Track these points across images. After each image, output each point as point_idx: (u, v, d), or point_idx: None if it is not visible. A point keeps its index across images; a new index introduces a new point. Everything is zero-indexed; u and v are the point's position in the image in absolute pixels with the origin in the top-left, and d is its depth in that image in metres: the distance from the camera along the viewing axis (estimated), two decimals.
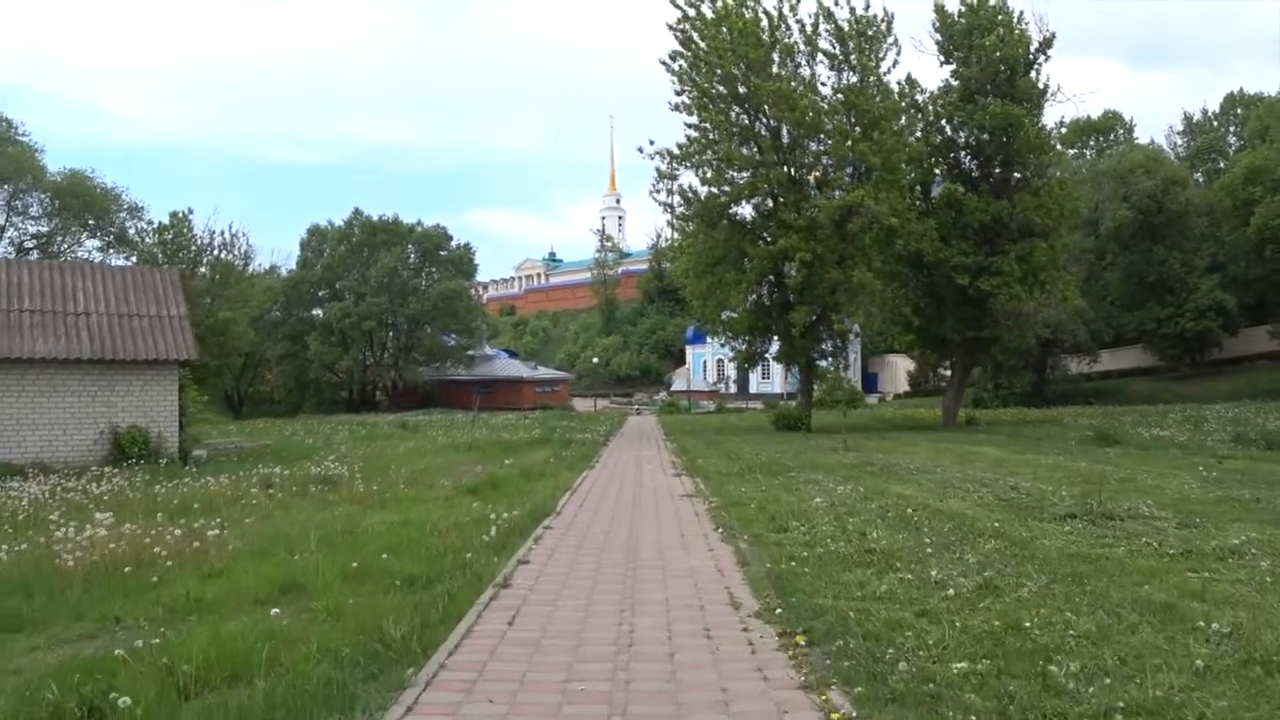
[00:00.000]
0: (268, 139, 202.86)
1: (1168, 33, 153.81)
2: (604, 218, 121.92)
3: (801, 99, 28.70)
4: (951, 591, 6.46)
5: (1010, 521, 9.87)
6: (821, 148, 30.08)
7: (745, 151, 29.89)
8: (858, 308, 29.66)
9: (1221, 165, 62.64)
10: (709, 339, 77.43)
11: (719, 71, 29.98)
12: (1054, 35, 33.05)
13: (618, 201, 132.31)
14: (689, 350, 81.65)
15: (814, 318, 30.94)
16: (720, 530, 9.78)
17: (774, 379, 72.72)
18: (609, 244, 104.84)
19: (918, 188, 32.93)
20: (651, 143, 31.98)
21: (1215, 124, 69.20)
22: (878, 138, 29.14)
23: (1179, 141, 69.65)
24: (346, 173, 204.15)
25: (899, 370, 69.18)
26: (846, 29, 30.29)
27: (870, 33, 30.48)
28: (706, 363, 79.24)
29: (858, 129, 29.55)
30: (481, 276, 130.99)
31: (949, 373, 62.93)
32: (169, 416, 22.36)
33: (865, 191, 27.55)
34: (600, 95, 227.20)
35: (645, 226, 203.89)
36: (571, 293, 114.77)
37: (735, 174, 31.08)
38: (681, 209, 31.43)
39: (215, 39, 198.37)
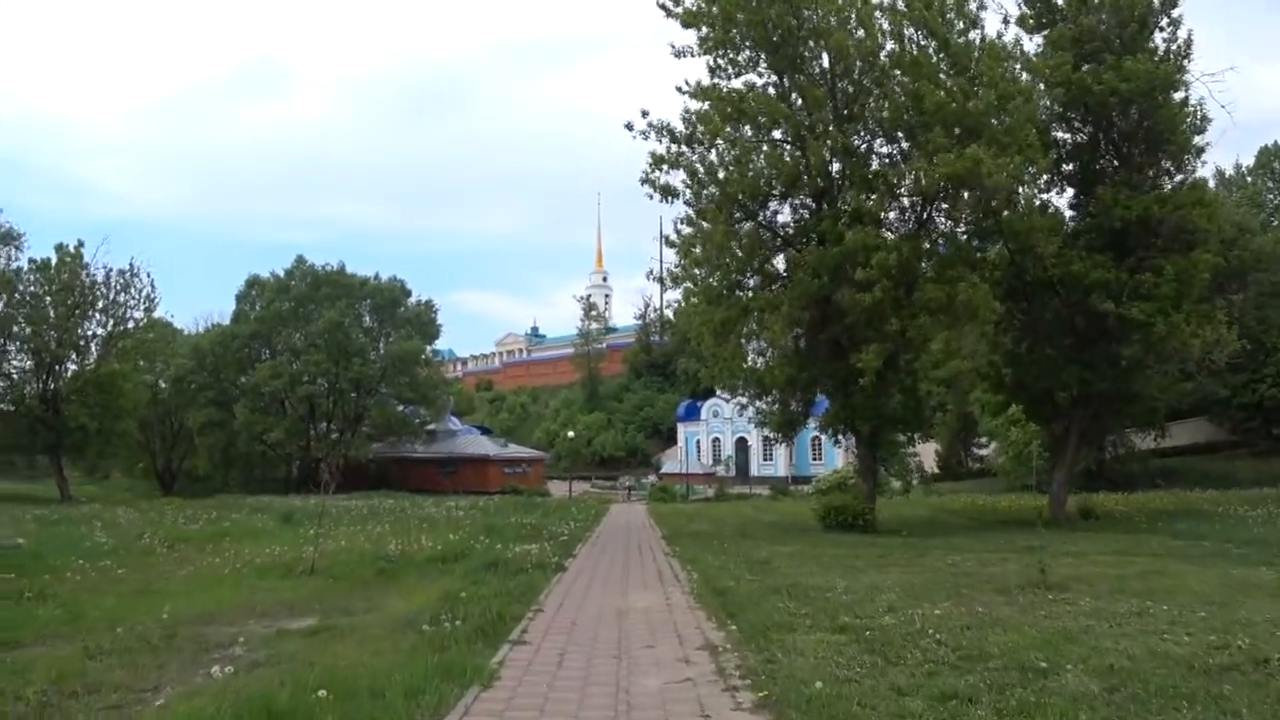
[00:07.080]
0: (252, 218, 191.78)
1: None
2: (589, 294, 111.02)
3: (865, 18, 17.91)
4: None
5: None
6: (896, 94, 18.61)
7: (787, 109, 18.80)
8: (962, 341, 18.04)
9: (1261, 218, 53.60)
10: (703, 414, 66.65)
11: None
12: None
13: (604, 279, 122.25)
14: (680, 429, 69.68)
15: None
16: None
17: (777, 460, 60.62)
18: (594, 314, 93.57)
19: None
20: (645, 114, 20.81)
21: (1249, 179, 60.72)
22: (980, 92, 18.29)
23: None
24: (330, 253, 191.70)
25: (922, 449, 57.24)
26: None
27: None
28: (700, 442, 67.15)
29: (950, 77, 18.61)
30: (461, 354, 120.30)
31: (985, 451, 52.20)
32: None
33: (982, 152, 16.40)
34: (589, 182, 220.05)
35: (634, 302, 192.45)
36: (553, 368, 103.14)
37: (765, 163, 20.03)
38: (690, 198, 19.93)
39: (206, 121, 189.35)
